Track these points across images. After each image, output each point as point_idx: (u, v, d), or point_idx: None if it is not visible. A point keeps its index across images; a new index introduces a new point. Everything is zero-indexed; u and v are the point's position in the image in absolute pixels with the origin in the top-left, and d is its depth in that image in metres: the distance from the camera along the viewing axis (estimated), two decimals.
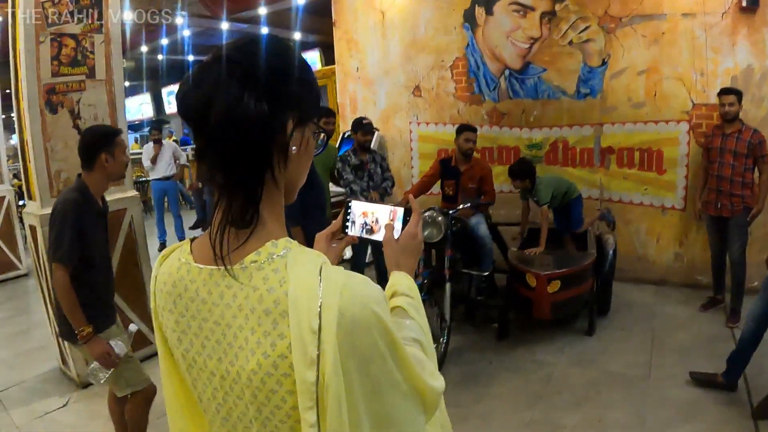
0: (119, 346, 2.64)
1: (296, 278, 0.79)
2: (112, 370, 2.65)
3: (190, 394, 0.99)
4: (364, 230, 1.22)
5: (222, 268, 0.83)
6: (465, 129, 4.96)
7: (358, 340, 0.76)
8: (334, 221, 1.26)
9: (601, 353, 4.26)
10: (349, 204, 1.24)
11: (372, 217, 1.22)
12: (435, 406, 0.92)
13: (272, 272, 0.81)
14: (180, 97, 0.85)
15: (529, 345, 4.47)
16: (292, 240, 0.86)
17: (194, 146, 0.86)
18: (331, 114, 5.17)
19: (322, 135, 0.96)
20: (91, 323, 2.62)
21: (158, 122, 13.18)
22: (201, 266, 0.88)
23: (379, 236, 1.21)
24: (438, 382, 0.93)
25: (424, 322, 1.08)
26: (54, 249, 2.62)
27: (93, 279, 2.76)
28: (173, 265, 0.93)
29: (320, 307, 0.76)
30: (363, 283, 0.81)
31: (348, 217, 1.24)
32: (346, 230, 1.24)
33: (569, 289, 4.29)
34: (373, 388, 0.79)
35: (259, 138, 0.82)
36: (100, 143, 2.75)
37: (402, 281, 1.13)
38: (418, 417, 0.88)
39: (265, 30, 12.25)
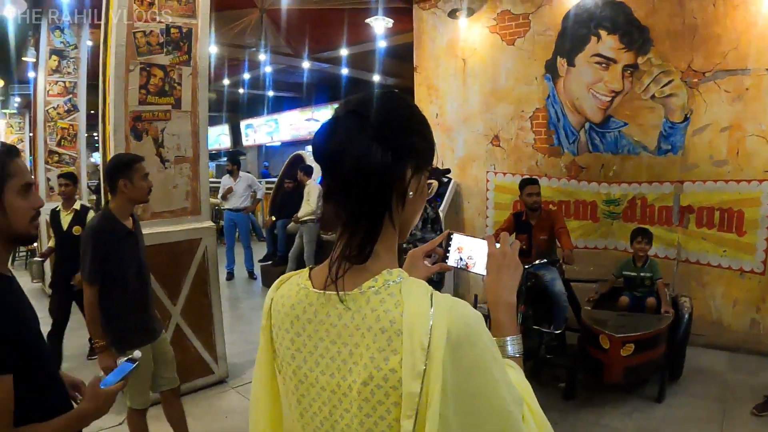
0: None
1: (410, 302, 0.89)
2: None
3: (279, 406, 1.10)
4: (459, 264, 1.29)
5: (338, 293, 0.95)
6: (526, 183, 4.98)
7: (461, 354, 0.85)
8: (432, 241, 1.34)
9: (670, 422, 4.11)
10: (451, 236, 1.31)
11: (467, 252, 1.28)
12: None
13: (388, 296, 0.91)
14: (317, 145, 0.97)
15: (595, 408, 4.34)
16: (404, 271, 0.96)
17: (326, 185, 0.99)
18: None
19: (434, 183, 1.08)
20: (118, 340, 2.99)
21: (235, 153, 13.40)
22: (318, 291, 0.98)
23: (477, 269, 1.25)
24: None
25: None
26: (82, 270, 3.01)
27: (123, 300, 3.05)
28: (292, 288, 1.04)
29: (431, 327, 0.86)
30: (467, 306, 0.91)
31: (449, 248, 1.31)
32: (446, 260, 1.31)
33: (643, 352, 4.15)
34: (472, 396, 0.87)
35: (381, 184, 0.93)
36: (118, 170, 3.03)
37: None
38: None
39: (345, 71, 12.59)
